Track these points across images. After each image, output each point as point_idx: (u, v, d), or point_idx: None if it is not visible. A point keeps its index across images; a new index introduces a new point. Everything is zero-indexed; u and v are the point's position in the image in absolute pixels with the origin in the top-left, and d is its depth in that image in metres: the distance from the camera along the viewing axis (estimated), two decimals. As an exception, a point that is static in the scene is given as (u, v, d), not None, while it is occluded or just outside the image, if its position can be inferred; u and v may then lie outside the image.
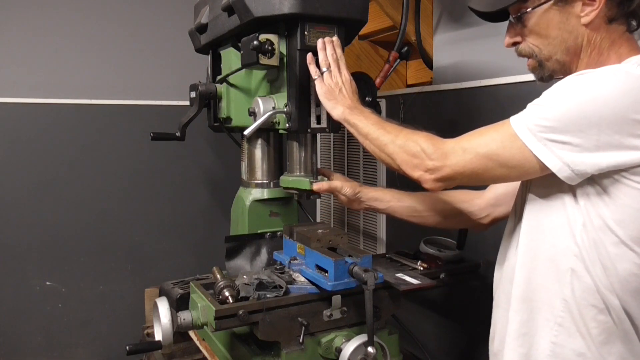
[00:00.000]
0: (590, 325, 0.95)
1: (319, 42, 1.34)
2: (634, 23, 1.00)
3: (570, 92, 0.91)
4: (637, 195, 0.90)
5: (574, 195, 0.95)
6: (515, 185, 1.25)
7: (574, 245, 0.95)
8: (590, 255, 0.94)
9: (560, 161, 0.90)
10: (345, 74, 1.30)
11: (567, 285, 0.96)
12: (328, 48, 1.32)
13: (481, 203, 1.36)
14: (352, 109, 1.23)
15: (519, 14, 1.03)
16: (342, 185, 1.43)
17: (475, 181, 1.04)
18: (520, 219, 1.07)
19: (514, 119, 0.96)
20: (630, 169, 0.89)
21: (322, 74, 1.31)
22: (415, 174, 1.06)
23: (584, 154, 0.89)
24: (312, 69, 1.34)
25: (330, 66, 1.30)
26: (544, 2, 0.99)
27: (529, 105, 0.96)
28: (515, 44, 1.08)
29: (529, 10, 1.01)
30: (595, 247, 0.94)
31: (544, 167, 0.92)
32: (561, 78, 1.00)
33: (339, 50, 1.33)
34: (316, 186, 1.43)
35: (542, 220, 1.01)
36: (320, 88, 1.30)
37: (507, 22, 1.08)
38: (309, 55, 1.35)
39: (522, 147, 0.93)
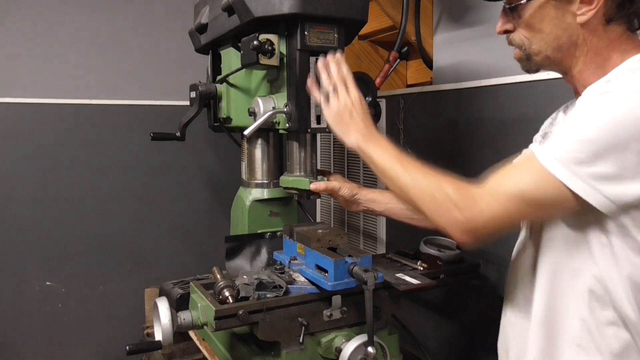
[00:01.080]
0: (609, 342, 0.94)
1: (320, 63, 1.24)
2: (635, 22, 0.97)
3: (599, 117, 0.85)
4: None
5: (602, 223, 0.91)
6: None
7: (593, 265, 0.93)
8: (614, 280, 0.92)
9: (601, 194, 0.84)
10: (355, 94, 1.19)
11: (585, 306, 0.94)
12: (332, 66, 1.21)
13: None
14: (366, 136, 1.13)
15: (513, 5, 1.00)
16: (340, 186, 1.42)
17: (509, 226, 0.95)
18: (538, 240, 1.03)
19: (541, 154, 0.88)
20: None
21: (327, 97, 1.20)
22: (443, 222, 0.96)
23: (624, 184, 0.84)
24: (315, 94, 1.25)
25: (335, 87, 1.19)
26: None
27: (557, 137, 0.89)
28: (507, 31, 1.04)
29: (523, 1, 0.98)
30: (626, 278, 0.91)
31: (583, 202, 0.86)
32: (572, 79, 0.99)
33: (344, 67, 1.22)
34: (313, 186, 1.42)
35: (564, 245, 0.97)
36: (328, 114, 1.20)
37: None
38: (309, 80, 1.28)
39: (556, 183, 0.86)
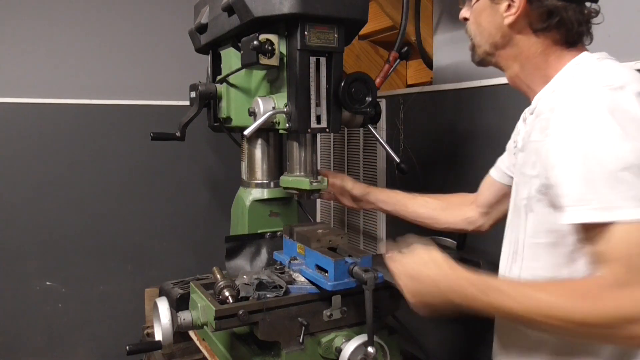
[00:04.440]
0: None
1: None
2: (568, 35, 0.99)
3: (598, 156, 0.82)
4: None
5: None
6: (498, 191, 1.29)
7: None
8: None
9: None
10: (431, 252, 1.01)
11: None
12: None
13: (476, 214, 1.40)
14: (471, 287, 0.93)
15: None
16: (352, 185, 1.55)
17: None
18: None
19: (608, 215, 0.81)
20: None
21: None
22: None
23: None
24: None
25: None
26: None
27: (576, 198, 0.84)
28: (466, 19, 1.12)
29: None
30: None
31: None
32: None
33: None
34: (327, 179, 1.45)
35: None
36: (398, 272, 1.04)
37: None
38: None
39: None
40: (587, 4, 1.00)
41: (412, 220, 1.50)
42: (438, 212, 1.47)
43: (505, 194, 1.26)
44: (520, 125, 1.19)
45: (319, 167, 1.60)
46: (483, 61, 1.11)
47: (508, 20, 1.00)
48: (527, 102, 1.11)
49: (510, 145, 1.26)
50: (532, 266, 1.00)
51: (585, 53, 1.00)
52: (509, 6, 1.00)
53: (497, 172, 1.31)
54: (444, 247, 1.65)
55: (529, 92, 1.07)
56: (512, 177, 1.22)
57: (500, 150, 1.44)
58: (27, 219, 2.29)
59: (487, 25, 1.05)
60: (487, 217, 1.38)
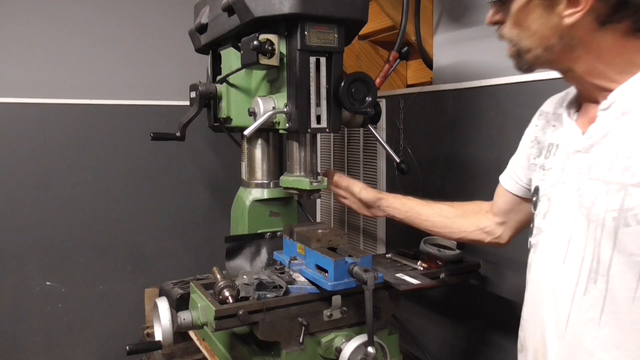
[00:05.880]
0: None
1: None
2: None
3: None
4: None
5: None
6: (510, 201, 1.20)
7: None
8: None
9: None
10: None
11: None
12: None
13: (492, 223, 1.30)
14: None
15: None
16: (360, 189, 1.48)
17: None
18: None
19: None
20: None
21: None
22: None
23: None
24: None
25: None
26: None
27: None
28: (497, 22, 0.97)
29: None
30: None
31: None
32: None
33: None
34: (326, 179, 1.44)
35: None
36: None
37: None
38: None
39: None
40: None
41: (426, 229, 1.41)
42: (452, 221, 1.37)
43: (518, 204, 1.20)
44: (544, 124, 1.08)
45: (319, 168, 1.60)
46: (532, 67, 0.96)
47: (570, 19, 0.85)
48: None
49: (529, 152, 1.13)
50: (628, 287, 0.85)
51: None
52: (569, 3, 0.85)
53: (509, 183, 1.21)
54: (443, 247, 1.66)
55: (592, 89, 0.93)
56: (528, 189, 1.15)
57: (501, 150, 1.44)
58: (27, 219, 2.29)
59: (538, 27, 0.89)
60: (505, 227, 1.28)
